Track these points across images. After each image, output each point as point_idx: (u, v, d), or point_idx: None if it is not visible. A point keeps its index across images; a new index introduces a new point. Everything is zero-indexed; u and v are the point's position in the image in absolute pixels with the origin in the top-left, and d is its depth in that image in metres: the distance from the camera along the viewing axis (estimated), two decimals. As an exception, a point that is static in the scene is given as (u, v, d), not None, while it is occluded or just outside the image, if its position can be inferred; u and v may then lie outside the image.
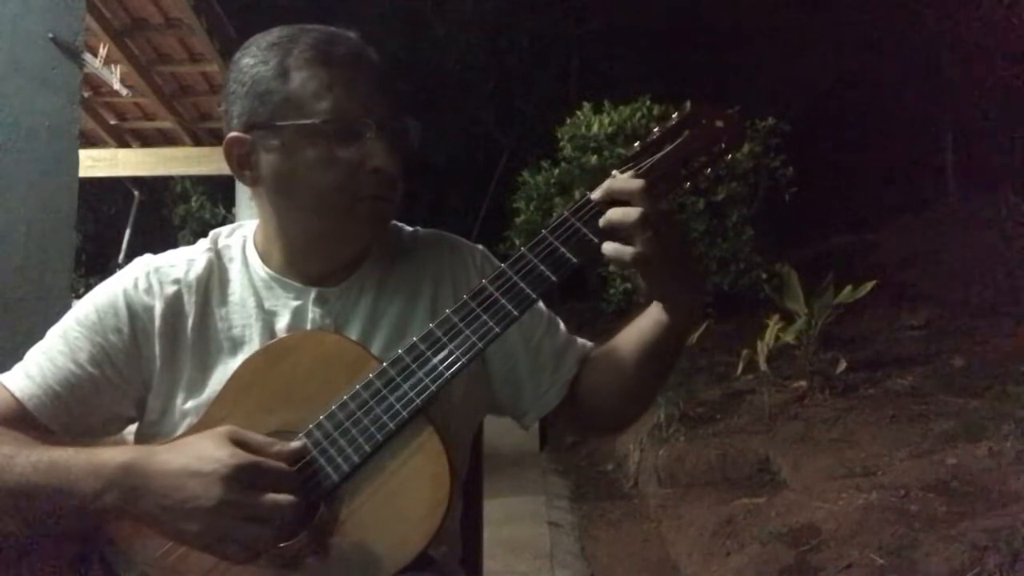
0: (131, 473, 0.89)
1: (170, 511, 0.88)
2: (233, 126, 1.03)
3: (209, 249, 1.11)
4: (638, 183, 0.92)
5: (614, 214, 0.92)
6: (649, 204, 0.91)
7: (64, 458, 0.91)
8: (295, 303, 1.07)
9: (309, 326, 1.06)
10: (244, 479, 0.86)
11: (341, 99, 0.98)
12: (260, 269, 1.09)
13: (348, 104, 0.99)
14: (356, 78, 1.00)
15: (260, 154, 1.02)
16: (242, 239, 1.13)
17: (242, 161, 1.04)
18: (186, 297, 1.06)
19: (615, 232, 0.92)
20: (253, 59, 1.01)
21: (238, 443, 0.89)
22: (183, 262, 1.09)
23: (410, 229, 1.19)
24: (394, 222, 1.17)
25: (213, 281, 1.08)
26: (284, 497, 0.88)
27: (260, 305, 1.07)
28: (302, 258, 1.07)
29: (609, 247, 0.93)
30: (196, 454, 0.88)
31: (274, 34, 1.03)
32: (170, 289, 1.06)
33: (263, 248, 1.10)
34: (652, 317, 1.04)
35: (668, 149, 0.98)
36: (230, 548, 0.88)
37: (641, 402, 1.13)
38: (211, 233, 1.15)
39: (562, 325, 1.17)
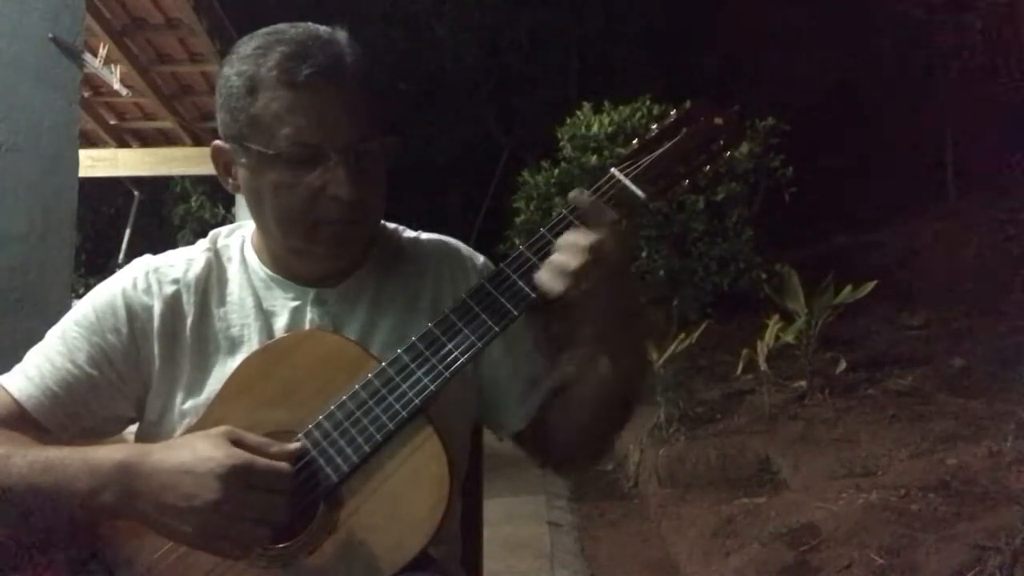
0: (127, 472, 0.89)
1: (166, 510, 0.88)
2: (219, 133, 1.04)
3: (208, 249, 1.11)
4: (589, 239, 0.90)
5: (557, 260, 0.90)
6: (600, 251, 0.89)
7: (60, 457, 0.91)
8: (293, 303, 1.07)
9: (307, 327, 1.06)
10: (239, 478, 0.86)
11: (302, 125, 0.95)
12: (259, 269, 1.09)
13: (308, 130, 0.96)
14: (320, 101, 0.96)
15: (237, 166, 1.03)
16: (241, 239, 1.13)
17: (225, 168, 1.05)
18: (185, 297, 1.06)
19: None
20: (230, 69, 1.00)
21: (235, 443, 0.89)
22: (182, 262, 1.09)
23: (412, 233, 1.18)
24: (394, 225, 1.17)
25: (212, 281, 1.08)
26: (279, 496, 0.88)
27: (258, 305, 1.07)
28: (293, 262, 1.07)
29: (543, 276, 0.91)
30: (192, 453, 0.88)
31: (253, 41, 1.00)
32: (169, 289, 1.06)
33: (260, 248, 1.10)
34: (587, 360, 1.03)
35: (666, 147, 0.98)
36: (225, 546, 0.88)
37: (593, 445, 1.12)
38: (211, 233, 1.15)
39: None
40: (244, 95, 0.97)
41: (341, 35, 1.01)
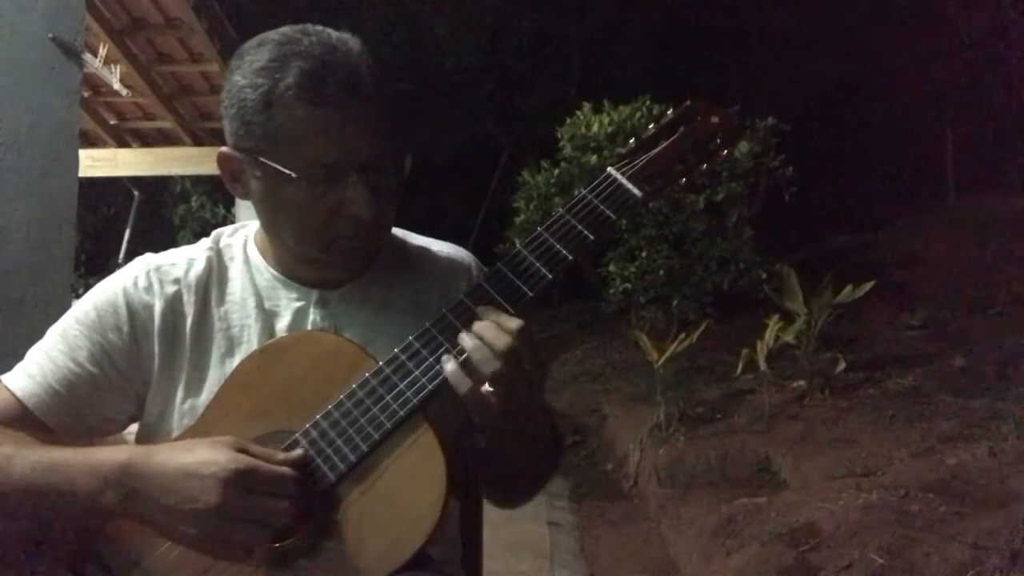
0: (129, 473, 0.89)
1: (168, 512, 0.88)
2: (227, 140, 1.02)
3: (210, 248, 1.11)
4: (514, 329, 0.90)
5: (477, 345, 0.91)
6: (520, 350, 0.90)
7: (63, 458, 0.91)
8: (297, 304, 1.07)
9: (310, 328, 1.05)
10: (242, 482, 0.87)
11: (322, 145, 0.94)
12: (263, 269, 1.09)
13: (329, 150, 0.94)
14: (340, 120, 0.94)
15: (248, 175, 1.01)
16: (244, 239, 1.12)
17: (233, 176, 1.04)
18: (186, 297, 1.06)
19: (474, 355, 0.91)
20: (243, 79, 0.96)
21: (239, 450, 0.90)
22: (183, 261, 1.08)
23: (420, 240, 1.18)
24: (402, 231, 1.17)
25: (212, 281, 1.08)
26: (281, 500, 0.88)
27: (260, 305, 1.07)
28: (300, 265, 1.07)
29: (451, 367, 0.91)
30: (195, 456, 0.89)
31: (266, 51, 0.96)
32: (170, 288, 1.06)
33: (265, 249, 1.10)
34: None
35: (663, 146, 0.99)
36: (227, 548, 0.89)
37: (512, 489, 1.18)
38: (213, 232, 1.15)
39: None
40: (260, 110, 0.95)
41: (355, 44, 0.98)
